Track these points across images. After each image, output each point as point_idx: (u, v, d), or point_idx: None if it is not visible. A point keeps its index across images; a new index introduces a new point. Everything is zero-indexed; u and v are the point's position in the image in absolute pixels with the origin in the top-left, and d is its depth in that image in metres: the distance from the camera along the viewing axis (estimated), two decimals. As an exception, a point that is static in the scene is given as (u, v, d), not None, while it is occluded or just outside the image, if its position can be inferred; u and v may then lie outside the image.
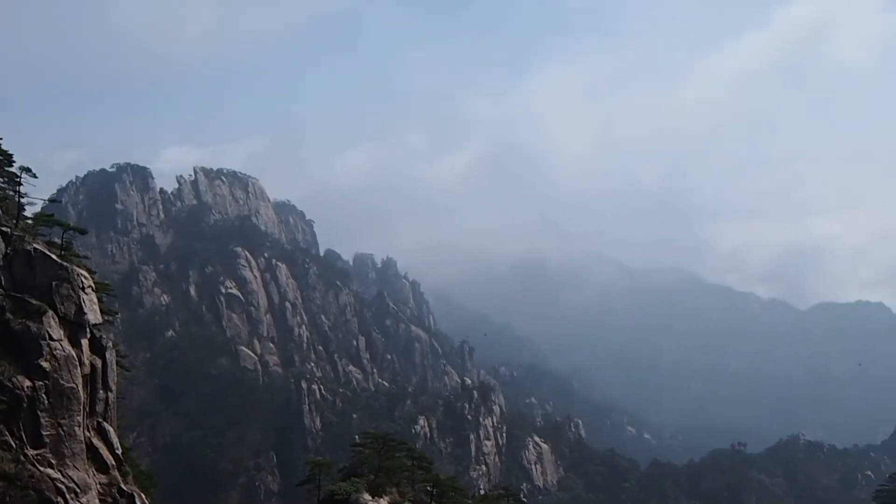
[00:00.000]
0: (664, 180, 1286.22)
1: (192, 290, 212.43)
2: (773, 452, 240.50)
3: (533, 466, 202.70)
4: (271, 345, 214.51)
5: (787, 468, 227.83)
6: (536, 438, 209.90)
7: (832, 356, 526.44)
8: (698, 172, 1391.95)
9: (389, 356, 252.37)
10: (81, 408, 43.98)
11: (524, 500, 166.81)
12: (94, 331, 46.81)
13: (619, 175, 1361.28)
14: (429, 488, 70.00)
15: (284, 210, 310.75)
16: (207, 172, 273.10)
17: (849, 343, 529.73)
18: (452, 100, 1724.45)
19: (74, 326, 45.01)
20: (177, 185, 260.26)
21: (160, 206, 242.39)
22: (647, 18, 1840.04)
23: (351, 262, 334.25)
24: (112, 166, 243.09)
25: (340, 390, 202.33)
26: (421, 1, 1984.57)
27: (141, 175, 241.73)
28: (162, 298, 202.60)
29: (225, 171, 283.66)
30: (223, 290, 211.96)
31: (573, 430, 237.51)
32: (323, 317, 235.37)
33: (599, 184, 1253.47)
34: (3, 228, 44.75)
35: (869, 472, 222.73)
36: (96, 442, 45.65)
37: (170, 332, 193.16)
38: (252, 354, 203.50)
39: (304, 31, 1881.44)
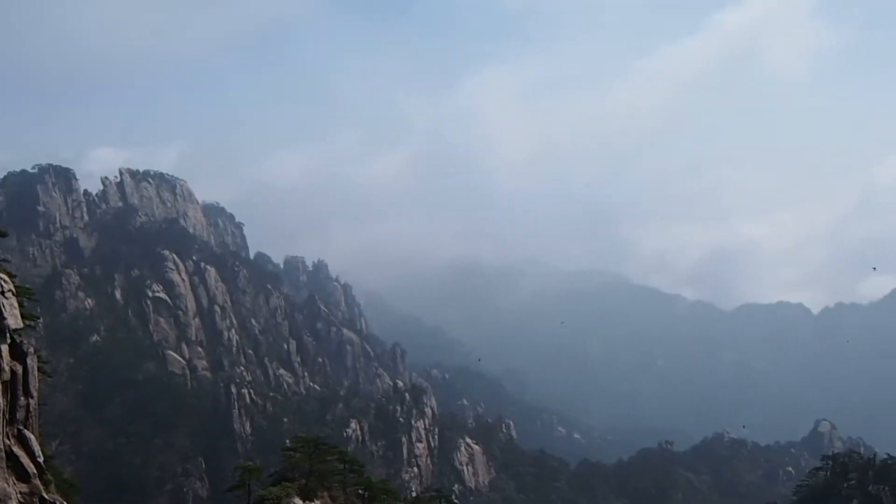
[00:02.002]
0: (596, 184, 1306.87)
1: (118, 294, 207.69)
2: (698, 450, 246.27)
3: (465, 468, 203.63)
4: (200, 349, 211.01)
5: (713, 465, 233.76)
6: (468, 440, 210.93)
7: (755, 356, 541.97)
8: (629, 176, 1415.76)
9: (321, 359, 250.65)
10: (1, 415, 42.73)
11: (456, 501, 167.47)
12: (15, 336, 45.51)
13: (554, 178, 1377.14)
14: (361, 491, 70.12)
15: (213, 212, 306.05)
16: (134, 174, 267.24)
17: (771, 343, 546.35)
18: (388, 101, 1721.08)
19: (-7, 332, 43.69)
20: (102, 187, 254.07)
21: (84, 209, 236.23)
22: (582, 24, 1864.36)
23: (282, 266, 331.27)
24: (34, 167, 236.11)
25: (271, 394, 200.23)
26: (356, 6, 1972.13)
27: (64, 176, 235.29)
28: (86, 302, 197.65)
29: (152, 172, 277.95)
30: (150, 294, 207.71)
31: (504, 431, 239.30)
32: (253, 320, 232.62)
33: (534, 187, 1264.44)
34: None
35: (790, 468, 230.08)
36: (16, 450, 44.37)
37: (94, 337, 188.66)
38: (180, 359, 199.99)
39: (238, 35, 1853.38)
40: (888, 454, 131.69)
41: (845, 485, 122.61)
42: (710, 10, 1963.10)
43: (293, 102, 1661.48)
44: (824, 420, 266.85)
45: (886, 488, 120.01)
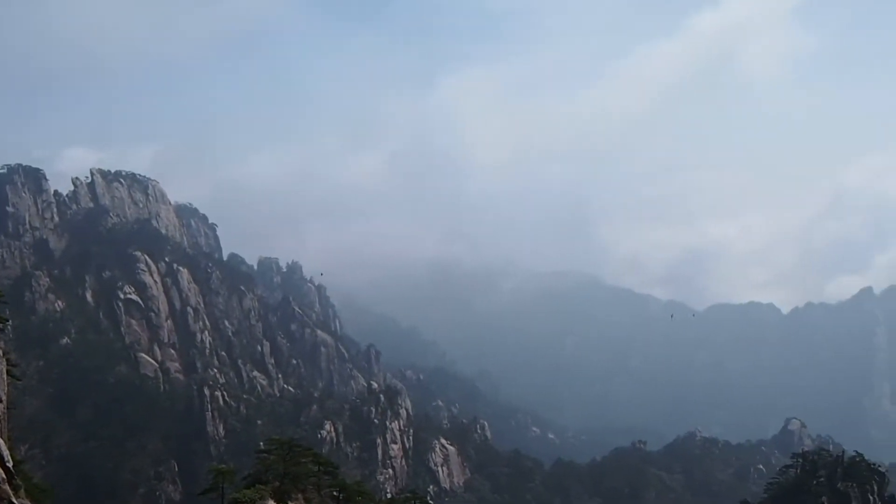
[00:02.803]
0: (573, 185, 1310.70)
1: (89, 296, 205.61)
2: (671, 449, 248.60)
3: (440, 469, 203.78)
4: (172, 351, 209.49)
5: (685, 464, 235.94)
6: (443, 441, 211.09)
7: (727, 355, 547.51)
8: (605, 177, 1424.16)
9: (295, 361, 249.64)
10: (-30, 419, 42.38)
11: (431, 502, 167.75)
12: (-16, 339, 45.13)
13: (532, 179, 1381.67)
14: (335, 493, 70.17)
15: (186, 213, 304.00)
16: (105, 174, 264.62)
17: (742, 343, 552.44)
18: (366, 101, 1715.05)
19: (-37, 335, 43.33)
20: (73, 188, 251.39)
21: (55, 209, 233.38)
22: (560, 25, 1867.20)
23: (255, 267, 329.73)
24: (3, 167, 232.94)
25: (244, 396, 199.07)
26: (334, 6, 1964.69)
27: (34, 177, 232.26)
28: (56, 304, 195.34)
29: (123, 173, 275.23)
30: (121, 296, 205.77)
31: (479, 431, 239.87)
32: (226, 322, 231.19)
33: (512, 188, 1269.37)
34: None
35: (761, 466, 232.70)
36: (-14, 454, 44.04)
37: (65, 340, 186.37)
38: (152, 361, 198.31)
39: (216, 35, 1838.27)
40: (856, 452, 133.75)
41: (815, 482, 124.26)
42: (686, 12, 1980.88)
43: (271, 103, 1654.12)
44: (794, 418, 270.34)
45: (854, 485, 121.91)
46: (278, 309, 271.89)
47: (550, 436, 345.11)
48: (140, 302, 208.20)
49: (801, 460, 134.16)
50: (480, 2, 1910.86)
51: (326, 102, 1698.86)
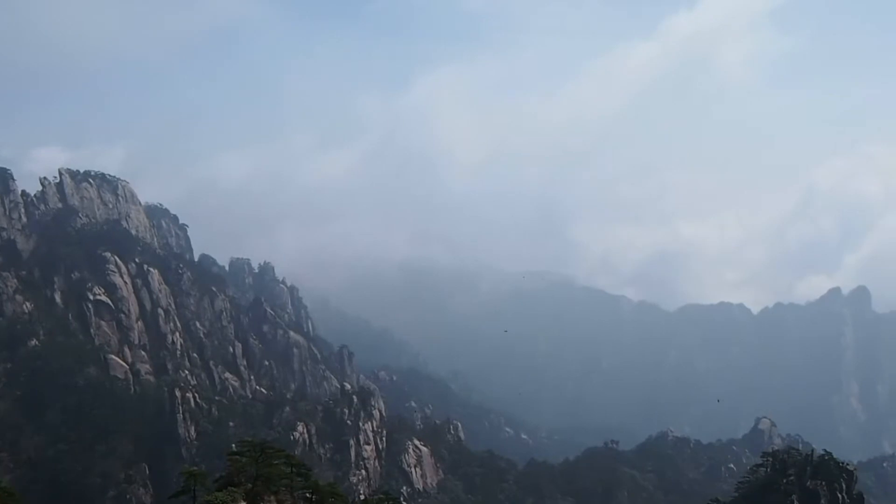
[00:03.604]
0: (547, 185, 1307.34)
1: (58, 297, 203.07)
2: (643, 449, 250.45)
3: (413, 469, 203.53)
4: (143, 353, 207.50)
5: (657, 463, 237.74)
6: (416, 442, 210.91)
7: (698, 355, 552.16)
8: (579, 178, 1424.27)
9: (267, 363, 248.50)
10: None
11: (404, 503, 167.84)
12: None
13: (506, 180, 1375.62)
14: (308, 495, 70.02)
15: (157, 214, 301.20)
16: (74, 174, 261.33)
17: (713, 343, 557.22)
18: (340, 102, 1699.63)
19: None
20: (41, 188, 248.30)
21: (22, 210, 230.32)
22: (537, 25, 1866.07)
23: (227, 268, 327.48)
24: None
25: (216, 398, 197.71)
26: (307, 7, 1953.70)
27: (1, 177, 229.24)
28: (24, 306, 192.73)
29: (93, 173, 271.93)
30: (91, 297, 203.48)
31: (452, 432, 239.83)
32: (197, 323, 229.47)
33: (487, 188, 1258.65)
34: None
35: (731, 465, 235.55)
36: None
37: (33, 342, 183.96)
38: (122, 363, 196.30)
39: (189, 35, 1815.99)
40: (825, 450, 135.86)
41: (784, 480, 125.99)
42: (663, 14, 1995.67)
43: (244, 102, 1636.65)
44: (764, 418, 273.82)
45: (823, 483, 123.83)
46: (250, 310, 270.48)
47: (524, 436, 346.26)
48: (110, 303, 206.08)
49: (771, 459, 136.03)
50: (457, 1, 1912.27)
51: (300, 102, 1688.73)
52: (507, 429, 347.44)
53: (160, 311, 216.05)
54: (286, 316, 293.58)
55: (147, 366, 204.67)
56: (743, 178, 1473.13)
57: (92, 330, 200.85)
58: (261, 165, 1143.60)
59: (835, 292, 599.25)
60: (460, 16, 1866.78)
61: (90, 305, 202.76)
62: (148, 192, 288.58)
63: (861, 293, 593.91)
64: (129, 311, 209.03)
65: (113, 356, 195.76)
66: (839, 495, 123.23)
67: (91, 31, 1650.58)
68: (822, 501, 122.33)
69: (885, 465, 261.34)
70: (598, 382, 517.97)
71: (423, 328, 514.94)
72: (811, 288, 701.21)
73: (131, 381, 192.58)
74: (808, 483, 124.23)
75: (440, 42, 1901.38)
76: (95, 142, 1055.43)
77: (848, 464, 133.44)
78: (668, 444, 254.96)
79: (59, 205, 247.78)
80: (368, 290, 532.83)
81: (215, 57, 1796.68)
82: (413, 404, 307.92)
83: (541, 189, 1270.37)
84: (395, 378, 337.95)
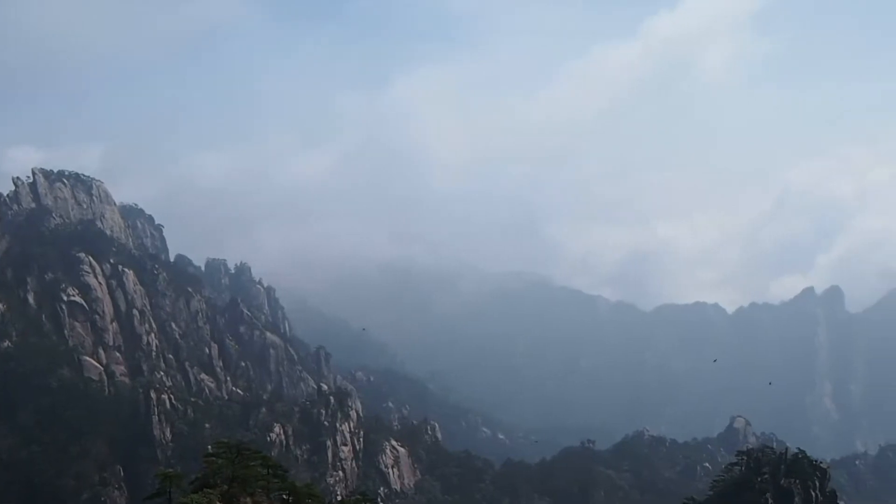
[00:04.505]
0: (527, 186, 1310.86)
1: (31, 298, 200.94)
2: (619, 448, 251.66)
3: (390, 470, 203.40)
4: (118, 354, 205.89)
5: (633, 462, 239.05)
6: (393, 442, 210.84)
7: (674, 355, 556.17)
8: (558, 178, 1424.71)
9: (243, 364, 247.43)
10: None
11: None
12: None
13: (486, 180, 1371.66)
14: (285, 497, 69.85)
15: (132, 214, 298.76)
16: (48, 174, 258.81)
17: (688, 342, 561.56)
18: (319, 101, 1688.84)
19: None
20: (13, 188, 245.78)
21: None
22: (516, 25, 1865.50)
23: (203, 268, 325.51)
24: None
25: (192, 399, 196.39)
26: (287, 6, 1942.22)
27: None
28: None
29: (67, 173, 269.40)
30: (65, 298, 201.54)
31: (430, 432, 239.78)
32: (173, 324, 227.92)
33: (467, 188, 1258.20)
34: None
35: (707, 464, 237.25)
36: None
37: (6, 343, 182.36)
38: (97, 364, 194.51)
39: (167, 35, 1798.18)
40: (799, 449, 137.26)
41: (759, 479, 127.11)
42: (643, 15, 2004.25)
43: (222, 101, 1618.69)
44: (739, 417, 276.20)
45: (797, 481, 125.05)
46: (226, 311, 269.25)
47: (500, 436, 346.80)
48: (84, 304, 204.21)
49: (745, 457, 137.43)
50: (437, 1, 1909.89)
51: (279, 101, 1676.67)
52: (485, 429, 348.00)
53: (135, 311, 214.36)
54: (263, 317, 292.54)
55: (122, 367, 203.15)
56: (719, 178, 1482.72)
57: (66, 331, 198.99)
58: (240, 165, 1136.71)
59: (808, 292, 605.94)
60: (440, 16, 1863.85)
61: (64, 306, 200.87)
62: (126, 192, 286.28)
63: (834, 293, 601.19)
64: (103, 311, 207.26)
65: (87, 357, 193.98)
66: (813, 493, 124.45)
67: (69, 31, 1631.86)
68: (796, 499, 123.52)
69: (857, 463, 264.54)
70: (575, 382, 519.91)
71: (404, 328, 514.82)
72: (785, 288, 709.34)
73: (106, 383, 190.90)
74: (783, 481, 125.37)
75: (420, 42, 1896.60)
76: (72, 141, 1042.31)
77: (821, 462, 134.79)
78: (643, 444, 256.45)
79: (33, 205, 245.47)
80: (348, 290, 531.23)
81: (194, 56, 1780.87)
82: (390, 405, 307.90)
83: (521, 189, 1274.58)
84: (372, 378, 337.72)
